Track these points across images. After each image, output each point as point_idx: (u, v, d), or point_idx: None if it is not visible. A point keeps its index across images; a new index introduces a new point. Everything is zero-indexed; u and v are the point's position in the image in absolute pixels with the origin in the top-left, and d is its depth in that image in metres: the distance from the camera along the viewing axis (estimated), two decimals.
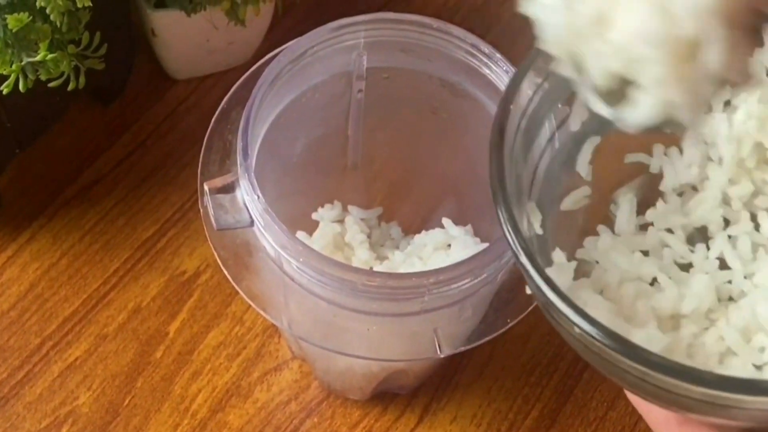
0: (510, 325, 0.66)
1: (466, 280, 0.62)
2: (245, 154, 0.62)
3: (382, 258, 0.73)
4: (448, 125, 0.73)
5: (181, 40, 0.85)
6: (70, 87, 0.72)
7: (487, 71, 0.68)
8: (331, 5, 0.94)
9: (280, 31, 0.91)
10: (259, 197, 0.61)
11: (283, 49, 0.67)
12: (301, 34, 0.90)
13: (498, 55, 0.68)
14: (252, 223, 0.62)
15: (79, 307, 0.79)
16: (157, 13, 0.82)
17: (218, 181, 0.64)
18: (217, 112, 0.69)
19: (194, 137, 0.75)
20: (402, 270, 0.70)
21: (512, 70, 0.67)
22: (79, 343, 0.78)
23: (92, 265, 0.81)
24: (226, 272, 0.66)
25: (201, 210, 0.65)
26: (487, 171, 0.56)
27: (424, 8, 0.94)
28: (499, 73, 0.68)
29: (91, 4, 0.69)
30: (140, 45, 0.88)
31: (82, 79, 0.73)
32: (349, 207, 0.75)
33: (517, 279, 0.66)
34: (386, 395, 0.76)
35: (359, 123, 0.73)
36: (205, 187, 0.63)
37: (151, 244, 0.82)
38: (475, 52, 0.68)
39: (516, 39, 0.91)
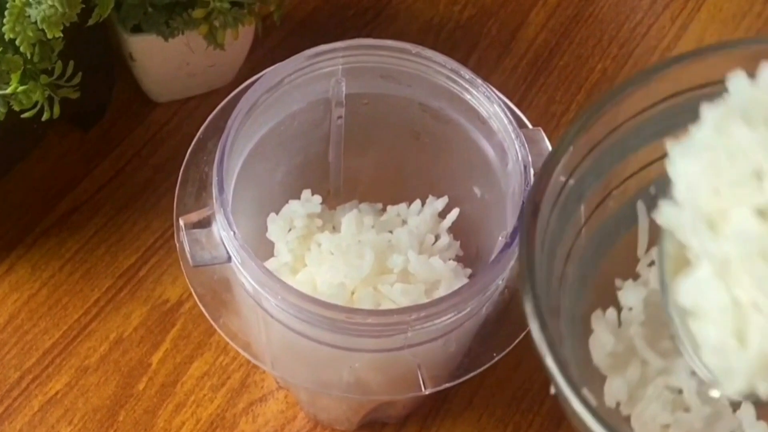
0: (496, 359, 0.66)
1: (450, 315, 0.61)
2: (220, 188, 0.62)
3: None
4: (431, 150, 0.73)
5: (160, 64, 0.84)
6: (45, 117, 0.73)
7: (468, 97, 0.68)
8: (313, 24, 0.94)
9: (263, 51, 0.91)
10: (235, 233, 0.60)
11: (260, 78, 0.67)
12: (283, 53, 0.89)
13: (479, 81, 0.68)
14: (229, 258, 0.62)
15: (59, 339, 0.78)
16: (134, 38, 0.82)
17: (194, 216, 0.63)
18: (192, 143, 0.69)
19: (176, 162, 0.74)
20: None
21: (493, 95, 0.67)
22: (59, 376, 0.77)
23: (72, 295, 0.80)
24: (203, 310, 0.65)
25: (177, 245, 0.64)
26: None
27: (409, 25, 0.94)
28: (480, 98, 0.68)
29: (62, 35, 0.68)
30: (120, 69, 0.88)
31: (56, 109, 0.73)
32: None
33: (502, 311, 0.66)
34: (375, 424, 0.76)
35: (340, 149, 0.73)
36: (181, 222, 0.63)
37: (132, 273, 0.82)
38: (455, 78, 0.68)
39: (502, 56, 0.92)
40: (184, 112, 0.89)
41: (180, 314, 0.80)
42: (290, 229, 0.70)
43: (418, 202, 0.73)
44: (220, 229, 0.62)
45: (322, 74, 0.68)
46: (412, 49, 0.67)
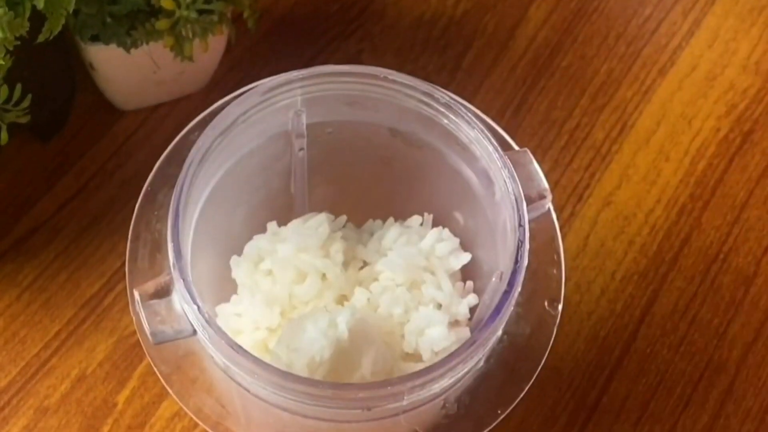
0: (501, 417, 0.63)
1: (447, 377, 0.59)
2: (178, 255, 0.58)
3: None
4: (404, 175, 0.70)
5: (124, 73, 0.81)
6: None
7: (445, 121, 0.65)
8: (294, 21, 0.91)
9: (240, 50, 0.88)
10: (199, 307, 0.57)
11: (209, 114, 0.64)
12: (262, 52, 0.88)
13: (457, 103, 0.65)
14: (195, 332, 0.58)
15: (16, 377, 0.76)
16: (93, 48, 0.79)
17: (150, 286, 0.59)
18: (140, 197, 0.66)
19: (145, 176, 0.72)
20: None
21: (473, 119, 0.64)
22: (17, 418, 0.75)
23: (31, 327, 0.78)
24: (170, 391, 0.62)
25: (133, 318, 0.61)
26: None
27: (398, 21, 0.91)
28: (459, 123, 0.65)
29: (5, 62, 0.66)
30: (82, 75, 0.85)
31: (4, 136, 0.70)
32: None
33: (502, 361, 0.64)
34: None
35: (303, 180, 0.71)
36: (135, 295, 0.59)
37: (96, 302, 0.79)
38: (429, 101, 0.65)
39: (499, 56, 0.89)
40: (154, 120, 0.86)
41: None
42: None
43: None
44: (181, 301, 0.58)
45: (279, 108, 0.65)
46: (379, 74, 0.64)
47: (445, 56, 0.89)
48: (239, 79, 0.87)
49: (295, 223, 0.69)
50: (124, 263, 0.77)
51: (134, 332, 0.77)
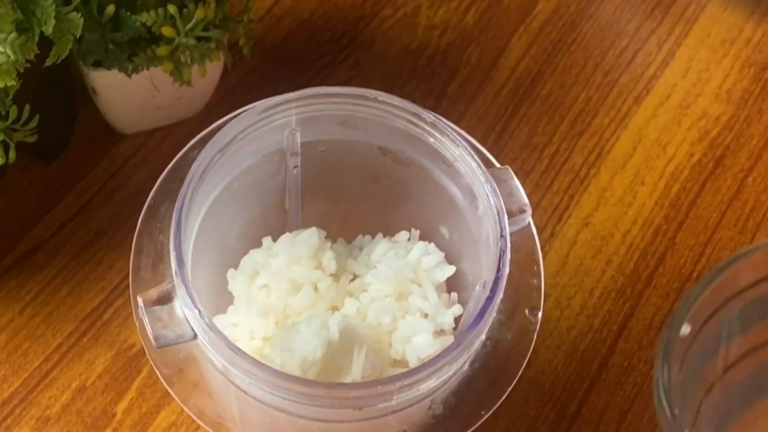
0: (485, 417, 0.66)
1: (434, 378, 0.62)
2: (180, 263, 0.61)
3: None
4: (393, 192, 0.74)
5: (124, 97, 0.85)
6: None
7: (431, 140, 0.69)
8: (287, 50, 0.94)
9: (235, 78, 0.91)
10: (200, 311, 0.60)
11: (209, 133, 0.68)
12: (256, 80, 0.90)
13: (442, 123, 0.68)
14: (195, 336, 0.61)
15: (19, 388, 0.78)
16: (96, 73, 0.82)
17: (153, 293, 0.62)
18: (143, 210, 0.68)
19: (143, 196, 0.74)
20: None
21: (458, 138, 0.68)
22: (19, 428, 0.77)
23: (33, 340, 0.80)
24: (171, 392, 0.65)
25: (137, 323, 0.64)
26: None
27: (386, 51, 0.94)
28: (444, 141, 0.68)
29: (16, 83, 0.68)
30: (84, 99, 0.88)
31: (12, 154, 0.73)
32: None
33: (485, 364, 0.66)
34: None
35: (297, 196, 0.74)
36: (139, 301, 0.62)
37: (96, 316, 0.81)
38: (416, 121, 0.69)
39: (483, 84, 0.92)
40: (151, 143, 0.89)
41: (146, 360, 0.79)
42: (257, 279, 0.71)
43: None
44: (183, 306, 0.61)
45: (275, 126, 0.68)
46: (369, 95, 0.68)
47: (431, 84, 0.92)
48: (233, 104, 0.88)
49: (285, 237, 0.73)
50: (123, 279, 0.81)
51: (133, 345, 0.80)
